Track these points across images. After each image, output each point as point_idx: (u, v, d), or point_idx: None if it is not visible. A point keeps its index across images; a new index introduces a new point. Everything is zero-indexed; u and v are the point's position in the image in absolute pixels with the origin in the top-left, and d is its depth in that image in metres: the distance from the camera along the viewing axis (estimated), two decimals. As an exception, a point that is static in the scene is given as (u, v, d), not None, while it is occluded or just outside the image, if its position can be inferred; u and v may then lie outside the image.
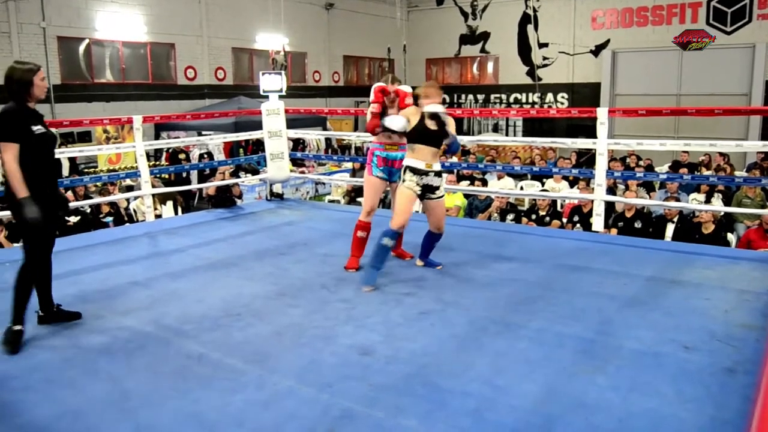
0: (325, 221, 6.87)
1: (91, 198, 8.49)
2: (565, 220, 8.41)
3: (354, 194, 11.54)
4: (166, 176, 11.59)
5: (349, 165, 14.21)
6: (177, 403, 2.87)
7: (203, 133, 14.22)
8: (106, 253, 5.44)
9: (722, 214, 7.86)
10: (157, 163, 13.30)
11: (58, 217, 3.76)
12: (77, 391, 2.99)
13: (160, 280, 4.71)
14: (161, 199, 8.82)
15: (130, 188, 10.04)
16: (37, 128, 3.54)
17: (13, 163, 3.42)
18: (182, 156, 13.59)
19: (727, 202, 9.17)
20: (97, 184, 9.08)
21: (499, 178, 10.73)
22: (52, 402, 2.89)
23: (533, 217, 8.55)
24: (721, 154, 11.96)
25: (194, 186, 10.66)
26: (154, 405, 2.85)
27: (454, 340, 3.51)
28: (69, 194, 8.44)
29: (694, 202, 9.12)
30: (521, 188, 10.55)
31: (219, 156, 14.12)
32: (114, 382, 3.07)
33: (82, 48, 14.22)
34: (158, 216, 8.04)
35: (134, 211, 8.90)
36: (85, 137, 13.93)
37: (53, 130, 3.85)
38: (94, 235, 6.56)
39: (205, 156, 13.86)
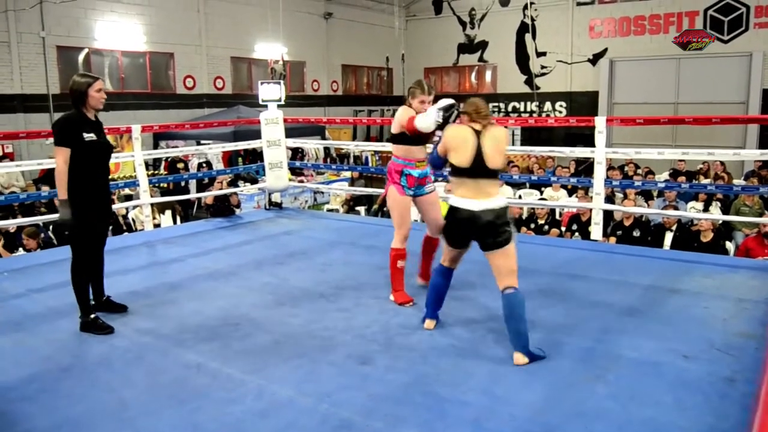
0: (324, 230, 6.87)
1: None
2: (563, 228, 8.42)
3: (353, 203, 11.55)
4: (165, 185, 11.59)
5: (347, 174, 14.22)
6: (175, 412, 2.86)
7: (202, 142, 14.23)
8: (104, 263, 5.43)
9: (720, 222, 7.87)
10: (156, 172, 13.30)
11: (105, 220, 4.05)
12: (75, 401, 2.98)
13: (159, 289, 4.71)
14: (160, 208, 8.82)
15: (128, 197, 10.03)
16: (89, 136, 3.79)
17: (62, 165, 3.71)
18: (181, 165, 13.59)
19: (725, 211, 9.18)
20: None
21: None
22: (50, 412, 2.89)
23: (532, 225, 8.56)
24: (719, 162, 12.00)
25: (193, 195, 10.66)
26: (152, 415, 2.85)
27: (453, 350, 3.51)
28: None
29: (692, 210, 9.13)
30: (520, 197, 10.57)
31: (218, 165, 14.12)
32: (112, 392, 3.06)
33: (81, 57, 14.25)
34: (157, 225, 8.04)
35: (133, 220, 8.89)
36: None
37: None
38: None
39: (204, 165, 13.86)
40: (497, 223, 3.43)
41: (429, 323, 3.83)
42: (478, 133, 3.49)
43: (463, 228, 3.51)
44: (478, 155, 3.44)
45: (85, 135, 3.78)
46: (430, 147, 4.29)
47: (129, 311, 4.17)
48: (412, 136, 4.21)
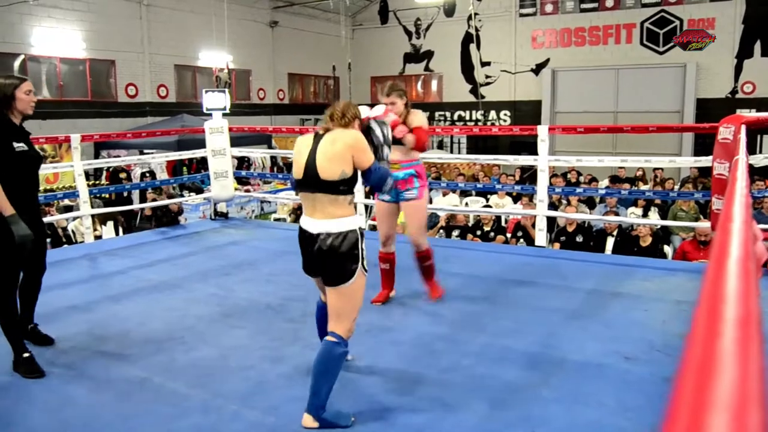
0: (271, 240, 6.81)
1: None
2: (509, 235, 8.55)
3: (300, 212, 11.47)
4: (107, 196, 11.30)
5: (295, 183, 14.07)
6: (119, 430, 2.78)
7: (145, 151, 13.94)
8: (43, 277, 5.25)
9: (659, 227, 8.12)
10: (97, 182, 12.96)
11: (37, 241, 3.44)
12: (10, 423, 2.87)
13: (101, 303, 4.57)
14: (101, 219, 8.59)
15: (68, 208, 9.74)
16: (19, 145, 3.35)
17: None
18: (123, 175, 13.28)
19: (663, 216, 9.49)
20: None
21: (444, 194, 10.85)
22: (-16, 434, 2.77)
23: (478, 232, 8.66)
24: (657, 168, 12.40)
25: (136, 206, 10.42)
26: (94, 434, 2.76)
27: (401, 358, 3.52)
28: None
29: (632, 215, 9.41)
30: (467, 204, 10.69)
31: (162, 175, 13.86)
32: (51, 412, 2.95)
33: (17, 64, 13.80)
34: (98, 237, 7.83)
35: (73, 232, 8.63)
36: (21, 156, 13.45)
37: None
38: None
39: (148, 175, 13.58)
40: (337, 253, 2.75)
41: None
42: (318, 137, 2.84)
43: (304, 252, 2.92)
44: (310, 163, 2.78)
45: (16, 144, 3.32)
46: (399, 148, 4.09)
47: (69, 325, 4.03)
48: None
